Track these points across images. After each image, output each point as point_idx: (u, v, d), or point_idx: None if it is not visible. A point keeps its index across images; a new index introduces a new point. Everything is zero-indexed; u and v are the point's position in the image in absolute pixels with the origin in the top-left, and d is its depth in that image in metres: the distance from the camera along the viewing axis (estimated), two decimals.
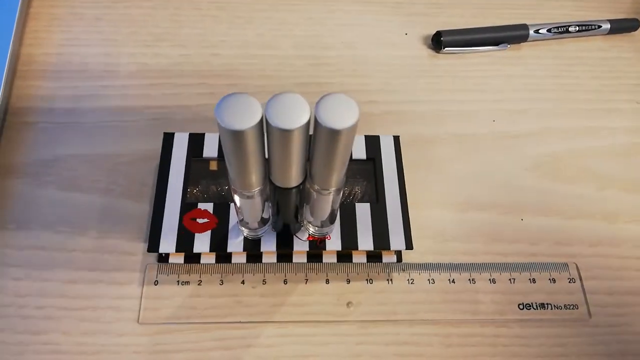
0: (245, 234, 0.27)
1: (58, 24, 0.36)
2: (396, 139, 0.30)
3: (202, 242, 0.27)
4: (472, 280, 0.29)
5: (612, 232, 0.31)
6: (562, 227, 0.31)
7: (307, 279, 0.28)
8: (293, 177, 0.21)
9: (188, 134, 0.29)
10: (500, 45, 0.38)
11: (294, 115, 0.17)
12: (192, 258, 0.28)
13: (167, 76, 0.34)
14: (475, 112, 0.35)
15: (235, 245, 0.27)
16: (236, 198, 0.23)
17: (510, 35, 0.38)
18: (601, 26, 0.38)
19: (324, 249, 0.27)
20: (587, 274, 0.29)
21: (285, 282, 0.28)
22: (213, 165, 0.29)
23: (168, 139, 0.29)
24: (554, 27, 0.38)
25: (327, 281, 0.28)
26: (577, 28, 0.38)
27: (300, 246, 0.27)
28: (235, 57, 0.36)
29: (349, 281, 0.28)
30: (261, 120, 0.17)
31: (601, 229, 0.31)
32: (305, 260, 0.28)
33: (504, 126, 0.34)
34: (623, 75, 0.37)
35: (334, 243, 0.27)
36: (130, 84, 0.34)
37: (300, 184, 0.22)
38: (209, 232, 0.27)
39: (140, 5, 0.38)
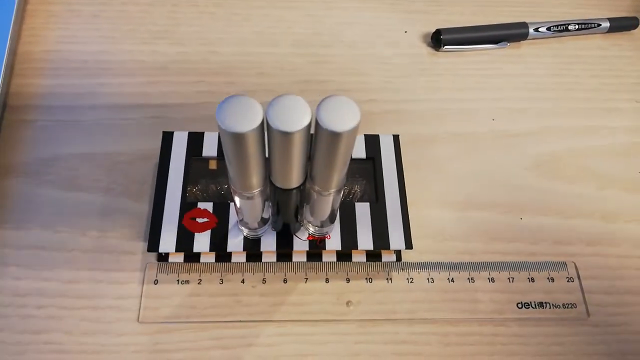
0: (245, 234, 0.27)
1: (55, 21, 0.36)
2: (396, 138, 0.30)
3: (201, 242, 0.27)
4: (471, 280, 0.29)
5: (611, 232, 0.31)
6: (561, 227, 0.31)
7: (306, 278, 0.28)
8: (293, 179, 0.21)
9: (187, 132, 0.29)
10: (500, 44, 0.37)
11: (295, 118, 0.17)
12: (192, 257, 0.28)
13: (165, 74, 0.34)
14: (474, 111, 0.35)
15: (235, 244, 0.27)
16: (236, 198, 0.23)
17: (510, 34, 0.37)
18: (601, 24, 0.38)
19: (324, 248, 0.27)
20: (586, 273, 0.29)
21: (285, 281, 0.28)
22: (212, 165, 0.29)
23: (167, 138, 0.29)
24: (553, 26, 0.38)
25: (327, 280, 0.28)
26: (577, 26, 0.38)
27: (300, 246, 0.27)
28: (233, 54, 0.36)
29: (349, 280, 0.28)
30: (262, 123, 0.17)
31: (600, 229, 0.31)
32: (305, 260, 0.28)
33: (504, 125, 0.34)
34: (623, 73, 0.37)
35: (333, 242, 0.27)
36: (128, 82, 0.34)
37: (301, 184, 0.22)
38: (208, 232, 0.27)
39: (137, 2, 0.37)
